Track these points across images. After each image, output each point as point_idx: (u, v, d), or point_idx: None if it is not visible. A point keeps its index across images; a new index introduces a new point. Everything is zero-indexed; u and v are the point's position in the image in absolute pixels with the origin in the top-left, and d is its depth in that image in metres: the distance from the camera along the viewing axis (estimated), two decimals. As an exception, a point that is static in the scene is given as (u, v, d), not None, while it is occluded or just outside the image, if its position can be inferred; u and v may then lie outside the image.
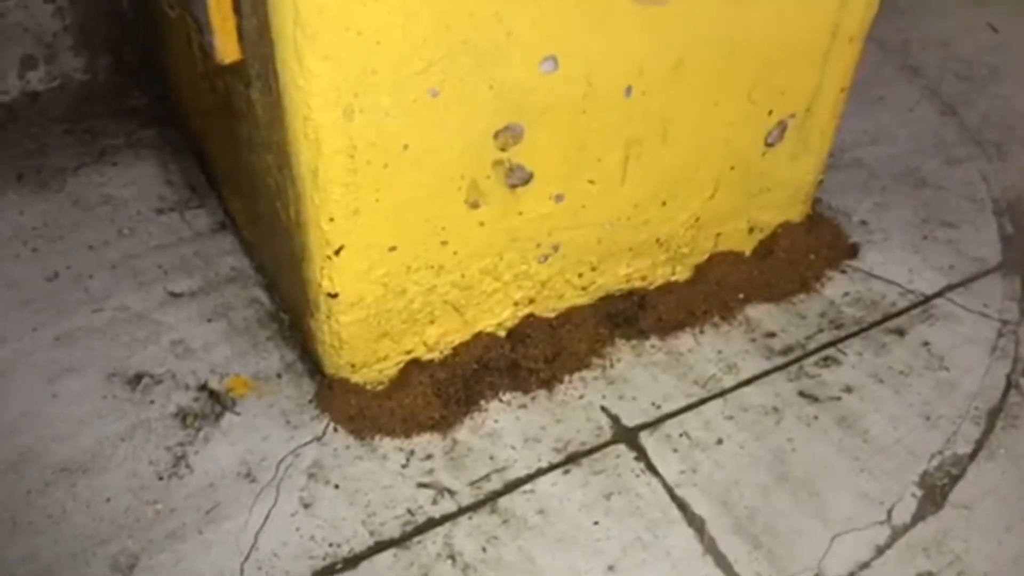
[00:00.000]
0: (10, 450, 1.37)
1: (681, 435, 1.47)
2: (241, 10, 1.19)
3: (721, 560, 1.30)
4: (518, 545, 1.30)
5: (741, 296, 1.71)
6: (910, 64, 2.39)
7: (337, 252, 1.29)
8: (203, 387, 1.47)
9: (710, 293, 1.69)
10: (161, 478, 1.35)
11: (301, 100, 1.12)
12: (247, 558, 1.26)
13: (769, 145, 1.61)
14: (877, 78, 2.29)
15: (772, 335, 1.65)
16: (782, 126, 1.60)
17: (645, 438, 1.46)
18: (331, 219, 1.25)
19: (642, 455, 1.44)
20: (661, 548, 1.31)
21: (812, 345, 1.64)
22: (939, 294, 1.75)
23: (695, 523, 1.35)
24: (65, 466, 1.36)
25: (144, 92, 2.07)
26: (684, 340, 1.63)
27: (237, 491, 1.34)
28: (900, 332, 1.66)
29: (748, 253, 1.76)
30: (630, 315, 1.63)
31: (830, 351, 1.64)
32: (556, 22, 1.22)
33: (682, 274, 1.70)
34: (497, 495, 1.37)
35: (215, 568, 1.24)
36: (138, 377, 1.48)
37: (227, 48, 1.24)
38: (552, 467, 1.41)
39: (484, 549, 1.29)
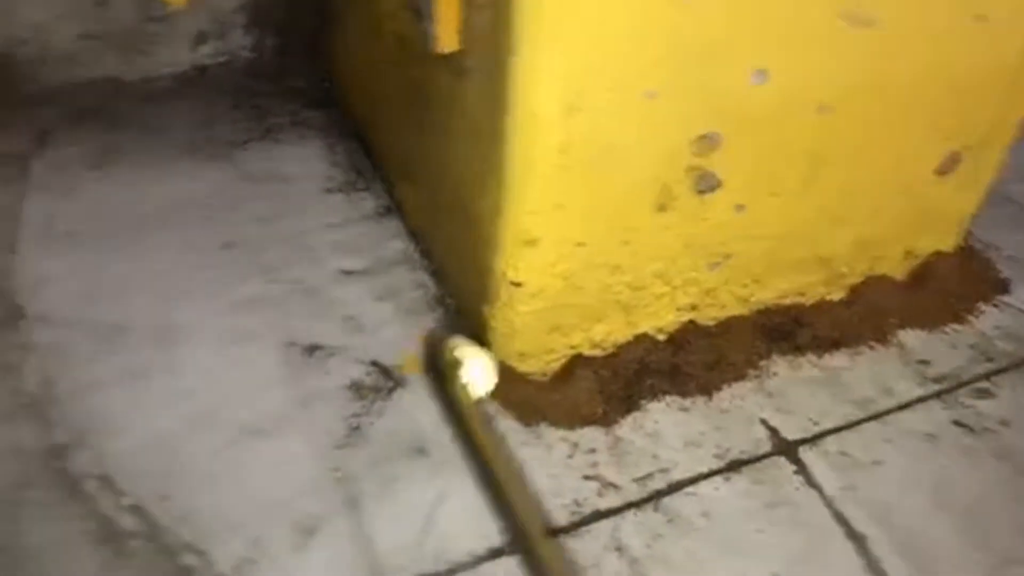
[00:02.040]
0: (196, 407, 1.43)
1: (840, 453, 1.48)
2: (471, 1, 1.23)
3: (884, 579, 1.31)
4: (684, 545, 1.32)
5: (894, 321, 1.71)
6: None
7: (531, 243, 1.32)
8: (375, 363, 1.52)
9: (865, 315, 1.70)
10: (339, 447, 1.39)
11: (529, 95, 1.16)
12: (423, 531, 1.30)
13: (940, 174, 1.61)
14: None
15: (925, 362, 1.65)
16: (955, 156, 1.60)
17: (804, 452, 1.47)
18: (532, 211, 1.29)
19: (802, 469, 1.45)
20: (824, 562, 1.33)
21: (965, 376, 1.64)
22: (1093, 335, 1.74)
23: (857, 540, 1.36)
24: (248, 427, 1.41)
25: (305, 74, 2.13)
26: (839, 359, 1.64)
27: (411, 466, 1.38)
28: (1054, 370, 1.66)
29: (901, 278, 1.77)
30: (787, 330, 1.64)
31: (983, 383, 1.63)
32: (775, 35, 1.24)
33: (837, 294, 1.71)
34: (661, 494, 1.39)
35: (394, 537, 1.28)
36: (313, 348, 1.53)
37: (447, 38, 1.28)
38: (713, 472, 1.43)
39: (649, 546, 1.32)
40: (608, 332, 1.52)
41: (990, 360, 1.68)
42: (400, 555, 1.26)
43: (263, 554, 1.25)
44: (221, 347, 1.52)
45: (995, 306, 1.79)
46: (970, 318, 1.76)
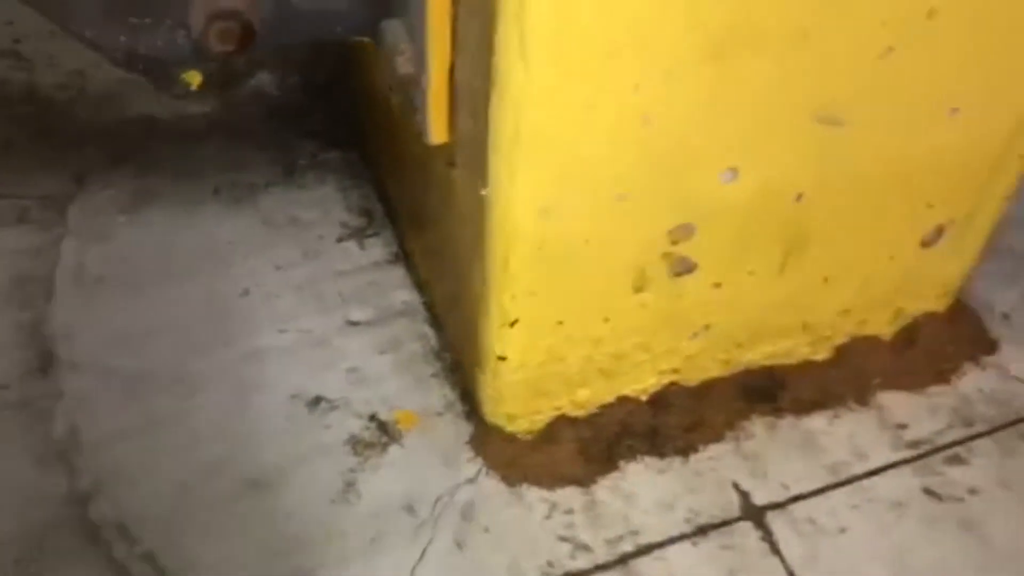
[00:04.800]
0: (205, 457, 1.55)
1: (807, 520, 1.55)
2: (456, 108, 1.32)
3: (835, 649, 1.40)
4: (647, 609, 1.42)
5: (877, 382, 1.77)
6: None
7: (512, 324, 1.41)
8: (373, 417, 1.63)
9: (848, 377, 1.76)
10: (333, 502, 1.51)
11: (504, 200, 1.24)
12: (405, 588, 1.41)
13: (925, 246, 1.66)
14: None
15: (903, 426, 1.71)
16: (940, 229, 1.64)
17: (772, 518, 1.55)
18: (512, 297, 1.37)
19: (767, 536, 1.53)
20: (779, 630, 1.41)
21: (941, 441, 1.69)
22: (1078, 401, 1.77)
23: (813, 610, 1.44)
24: (252, 480, 1.53)
25: (325, 114, 2.22)
26: (818, 422, 1.70)
27: (399, 523, 1.49)
28: (1031, 437, 1.71)
29: (887, 339, 1.82)
30: (768, 392, 1.71)
31: (958, 449, 1.69)
32: (742, 138, 1.30)
33: (821, 354, 1.77)
34: (629, 557, 1.48)
35: (377, 594, 1.40)
36: (316, 400, 1.64)
37: (437, 131, 1.37)
38: (683, 536, 1.52)
39: (615, 608, 1.42)
40: (591, 395, 1.61)
41: (968, 425, 1.73)
42: (382, 611, 1.38)
43: (258, 605, 1.38)
44: (232, 398, 1.64)
45: (980, 367, 1.83)
46: (953, 380, 1.81)
